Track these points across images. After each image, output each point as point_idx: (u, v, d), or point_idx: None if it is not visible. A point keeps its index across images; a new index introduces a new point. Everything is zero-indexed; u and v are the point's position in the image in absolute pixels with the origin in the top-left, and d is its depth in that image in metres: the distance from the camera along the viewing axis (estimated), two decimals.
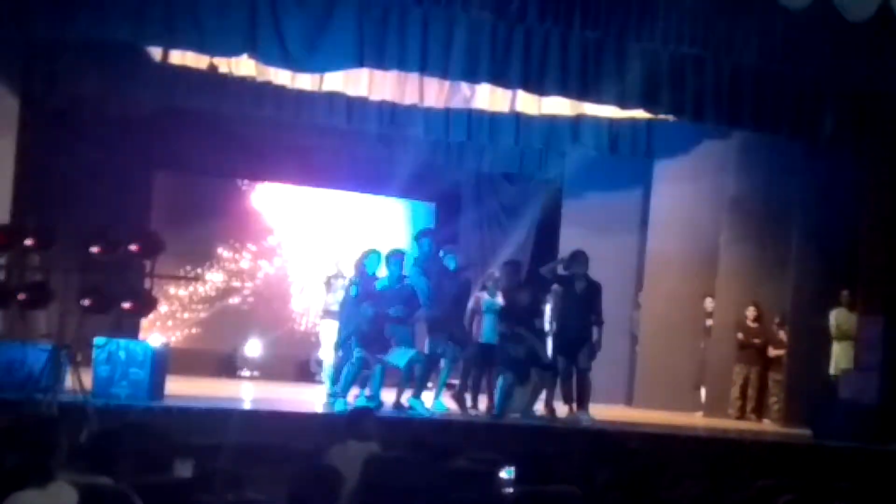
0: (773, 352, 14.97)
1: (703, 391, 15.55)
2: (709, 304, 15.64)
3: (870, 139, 13.23)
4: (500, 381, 12.42)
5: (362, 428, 7.85)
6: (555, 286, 12.90)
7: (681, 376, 15.61)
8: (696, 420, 14.85)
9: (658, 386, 15.85)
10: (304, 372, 17.00)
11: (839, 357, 13.77)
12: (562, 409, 12.61)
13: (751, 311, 14.98)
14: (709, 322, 15.61)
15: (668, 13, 12.10)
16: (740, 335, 15.01)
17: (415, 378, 12.08)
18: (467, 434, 10.86)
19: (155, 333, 13.47)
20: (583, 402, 12.52)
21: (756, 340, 15.02)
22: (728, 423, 14.23)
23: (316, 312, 15.33)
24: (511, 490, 6.99)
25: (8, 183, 13.09)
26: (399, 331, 12.06)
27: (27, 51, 13.06)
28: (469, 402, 12.60)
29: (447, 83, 14.29)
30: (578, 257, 12.63)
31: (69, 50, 13.10)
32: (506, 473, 7.30)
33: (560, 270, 12.89)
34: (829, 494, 7.29)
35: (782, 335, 14.88)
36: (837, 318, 13.84)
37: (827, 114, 12.97)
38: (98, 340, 11.14)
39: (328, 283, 13.66)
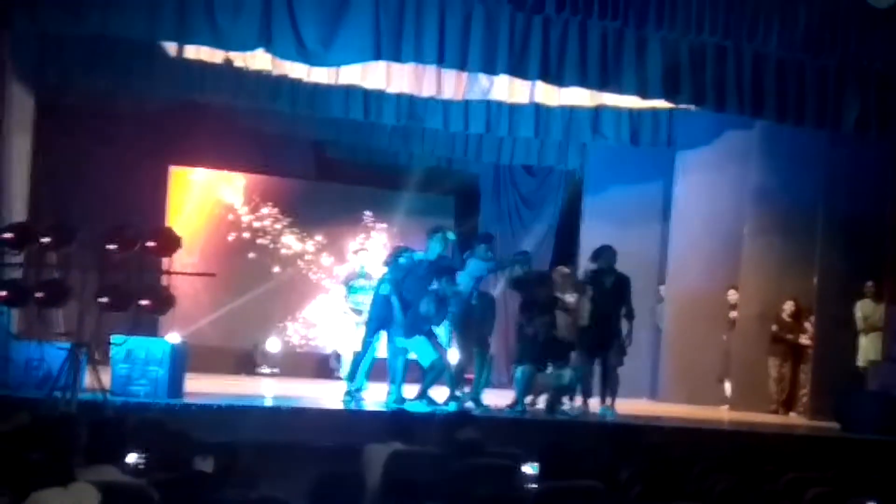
0: (804, 344, 14.82)
1: (727, 384, 15.41)
2: (732, 296, 15.49)
3: (894, 126, 13.04)
4: (517, 373, 12.33)
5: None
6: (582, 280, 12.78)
7: (705, 369, 15.50)
8: (722, 413, 14.70)
9: (682, 379, 15.74)
10: (324, 369, 16.97)
11: (866, 349, 13.61)
12: (591, 404, 12.50)
13: (788, 306, 14.82)
14: (732, 314, 15.46)
15: (687, 2, 12.00)
16: (775, 328, 14.84)
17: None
18: (491, 429, 10.73)
19: (173, 331, 13.38)
20: (610, 397, 12.44)
21: (790, 336, 14.87)
22: (754, 417, 14.08)
23: (336, 310, 15.23)
24: (535, 485, 6.94)
25: (25, 181, 13.04)
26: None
27: (41, 49, 13.01)
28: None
29: (465, 75, 14.17)
30: (605, 252, 12.50)
31: (83, 47, 13.07)
32: (530, 468, 7.25)
33: (588, 266, 12.79)
34: (858, 487, 7.19)
35: (808, 327, 14.72)
36: (863, 309, 13.68)
37: (851, 102, 12.81)
38: (116, 338, 11.09)
39: (347, 281, 13.59)
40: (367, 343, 12.13)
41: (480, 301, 12.41)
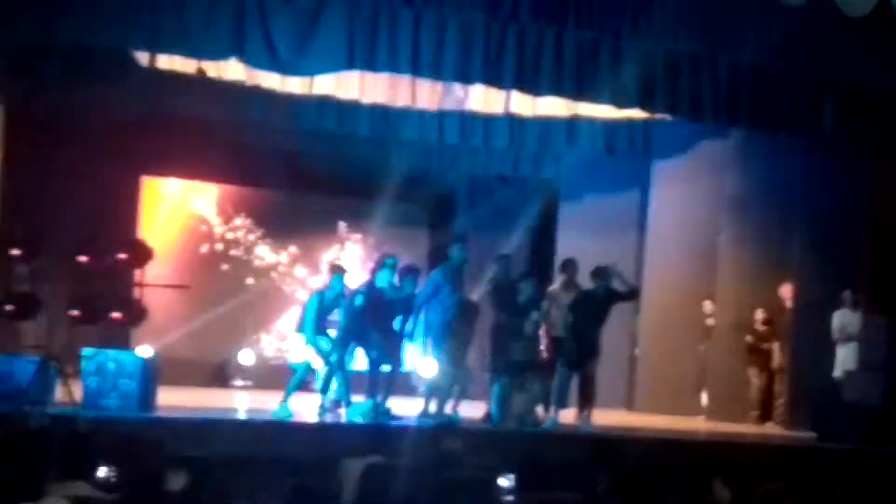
0: (779, 355, 14.81)
1: (704, 395, 15.39)
2: (707, 306, 15.49)
3: (870, 135, 13.08)
4: (495, 388, 12.25)
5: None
6: (554, 290, 12.75)
7: (681, 380, 15.50)
8: (699, 424, 14.67)
9: (659, 390, 15.75)
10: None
11: (844, 358, 13.57)
12: (566, 415, 12.46)
13: (759, 314, 14.83)
14: (708, 322, 15.45)
15: (663, 11, 11.98)
16: (749, 338, 14.85)
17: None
18: (467, 442, 10.67)
19: (145, 344, 13.25)
20: (587, 408, 12.45)
21: (765, 344, 14.87)
22: (731, 427, 14.06)
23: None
24: (512, 498, 6.90)
25: None
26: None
27: (12, 58, 12.91)
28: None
29: (440, 85, 14.13)
30: (568, 265, 12.81)
31: (54, 57, 12.97)
32: (506, 481, 7.21)
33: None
34: (833, 498, 7.16)
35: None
36: (841, 319, 13.64)
37: (826, 111, 12.81)
38: (86, 351, 10.99)
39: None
40: (340, 356, 12.00)
41: (462, 309, 12.31)
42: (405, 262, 12.63)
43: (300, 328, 11.92)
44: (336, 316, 12.40)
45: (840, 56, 12.39)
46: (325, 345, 11.86)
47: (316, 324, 11.86)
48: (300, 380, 12.06)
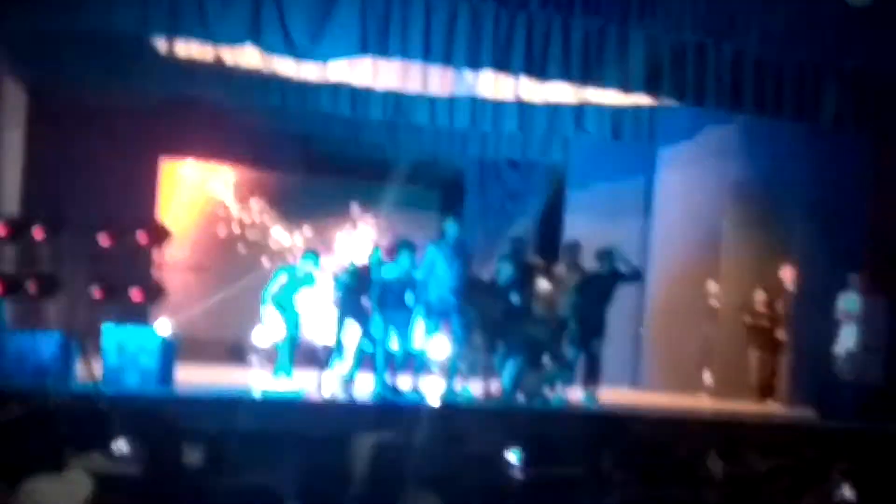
0: (780, 334, 15.00)
1: (707, 374, 15.58)
2: (711, 286, 15.66)
3: (872, 121, 13.22)
4: (508, 365, 12.45)
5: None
6: (559, 272, 12.98)
7: (686, 358, 15.66)
8: (703, 401, 14.89)
9: (663, 368, 15.92)
10: (312, 358, 17.03)
11: (845, 339, 13.69)
12: (571, 392, 12.70)
13: (760, 295, 15.02)
14: (712, 304, 15.62)
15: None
16: (748, 318, 15.05)
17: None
18: (476, 419, 10.91)
19: (164, 321, 13.48)
20: (593, 385, 12.68)
21: (765, 324, 15.07)
22: (733, 405, 14.25)
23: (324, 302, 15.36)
24: (520, 474, 7.04)
25: (17, 175, 13.15)
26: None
27: (34, 44, 13.10)
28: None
29: (451, 70, 14.31)
30: (570, 248, 13.11)
31: (75, 42, 13.15)
32: (514, 457, 7.35)
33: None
34: (829, 475, 7.34)
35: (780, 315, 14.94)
36: (846, 300, 13.76)
37: (828, 97, 12.95)
38: (106, 329, 11.17)
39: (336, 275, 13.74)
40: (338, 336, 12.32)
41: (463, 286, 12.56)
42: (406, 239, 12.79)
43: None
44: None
45: (842, 43, 12.54)
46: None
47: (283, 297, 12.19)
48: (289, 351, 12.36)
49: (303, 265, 12.67)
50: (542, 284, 12.65)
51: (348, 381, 12.15)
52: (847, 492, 6.93)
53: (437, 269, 12.21)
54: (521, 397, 12.33)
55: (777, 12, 12.25)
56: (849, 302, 13.67)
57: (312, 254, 12.72)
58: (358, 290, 12.21)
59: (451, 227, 12.48)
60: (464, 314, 12.40)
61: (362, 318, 12.23)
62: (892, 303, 13.39)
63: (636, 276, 13.42)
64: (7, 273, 11.14)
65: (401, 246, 12.32)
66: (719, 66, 12.67)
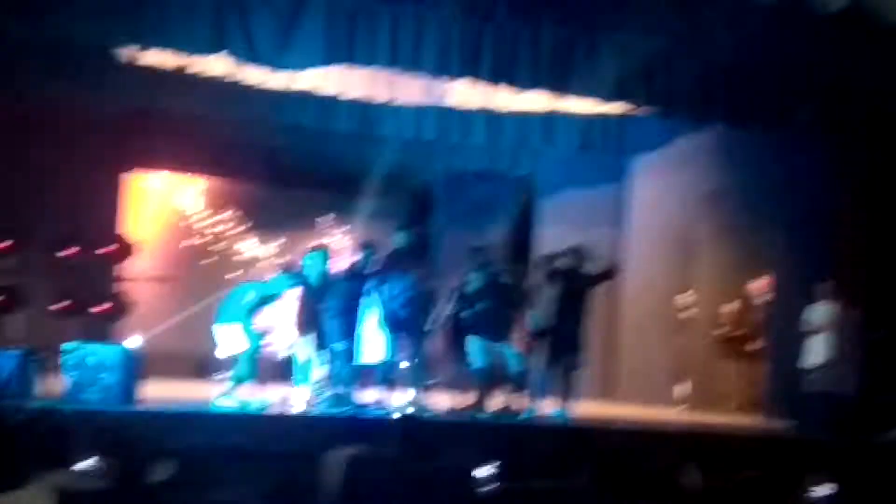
0: (752, 345, 14.95)
1: (680, 386, 15.53)
2: (682, 298, 15.61)
3: (845, 130, 13.20)
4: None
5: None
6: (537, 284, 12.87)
7: (659, 371, 15.61)
8: (677, 414, 14.80)
9: (637, 381, 15.86)
10: (279, 373, 16.87)
11: (820, 349, 13.65)
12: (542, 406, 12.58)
13: (731, 306, 14.97)
14: (684, 315, 15.58)
15: (638, 8, 12.09)
16: (719, 330, 14.99)
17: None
18: (449, 432, 10.77)
19: (134, 336, 13.26)
20: (568, 398, 12.54)
21: (738, 334, 15.02)
22: (708, 417, 14.19)
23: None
24: (492, 487, 6.96)
25: None
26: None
27: None
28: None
29: (419, 81, 14.20)
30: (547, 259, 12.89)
31: (37, 53, 12.97)
32: (487, 471, 7.26)
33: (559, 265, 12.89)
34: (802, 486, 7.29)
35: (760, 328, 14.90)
36: (819, 310, 13.73)
37: (800, 107, 12.93)
38: (67, 346, 10.98)
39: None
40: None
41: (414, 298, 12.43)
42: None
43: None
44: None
45: (813, 53, 12.53)
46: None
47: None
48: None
49: (310, 263, 12.29)
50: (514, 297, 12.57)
51: (344, 393, 11.95)
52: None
53: (388, 281, 12.09)
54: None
55: (748, 20, 12.19)
56: (818, 312, 13.62)
57: (322, 252, 12.35)
58: (318, 298, 12.02)
59: (398, 238, 12.38)
60: (416, 327, 12.27)
61: (325, 326, 12.03)
62: (866, 312, 13.33)
63: (608, 274, 13.17)
64: None
65: (362, 246, 12.28)
66: (689, 75, 12.61)
